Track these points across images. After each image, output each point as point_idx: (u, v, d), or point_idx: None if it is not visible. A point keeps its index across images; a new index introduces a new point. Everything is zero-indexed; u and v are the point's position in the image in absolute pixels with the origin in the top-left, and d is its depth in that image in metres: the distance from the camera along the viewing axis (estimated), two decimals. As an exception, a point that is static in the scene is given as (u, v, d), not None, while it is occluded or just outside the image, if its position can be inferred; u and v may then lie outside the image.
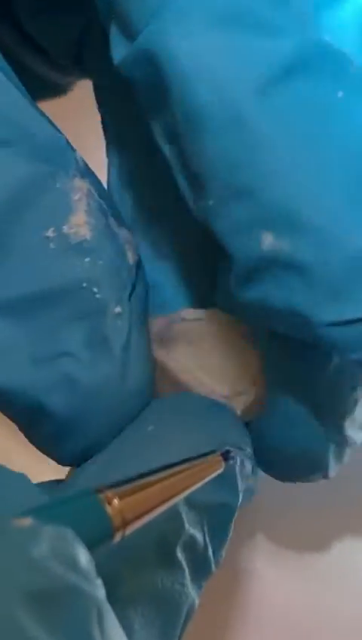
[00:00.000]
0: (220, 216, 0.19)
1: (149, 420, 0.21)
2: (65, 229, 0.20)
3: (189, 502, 0.20)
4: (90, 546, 0.15)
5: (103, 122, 0.26)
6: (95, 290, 0.20)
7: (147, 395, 0.22)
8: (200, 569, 0.20)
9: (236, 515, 0.21)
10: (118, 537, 0.16)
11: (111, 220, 0.22)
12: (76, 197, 0.21)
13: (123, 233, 0.22)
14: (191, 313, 0.23)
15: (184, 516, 0.20)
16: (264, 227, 0.19)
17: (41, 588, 0.12)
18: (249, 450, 0.22)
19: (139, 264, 0.22)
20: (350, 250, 0.18)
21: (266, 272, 0.19)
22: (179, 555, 0.19)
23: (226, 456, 0.19)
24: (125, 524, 0.16)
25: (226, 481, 0.21)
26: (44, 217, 0.20)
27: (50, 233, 0.20)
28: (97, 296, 0.20)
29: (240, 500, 0.21)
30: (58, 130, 0.21)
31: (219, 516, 0.21)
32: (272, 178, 0.18)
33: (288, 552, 0.29)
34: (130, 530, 0.16)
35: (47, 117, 0.22)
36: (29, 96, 0.21)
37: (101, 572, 0.14)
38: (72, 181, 0.21)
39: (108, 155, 0.26)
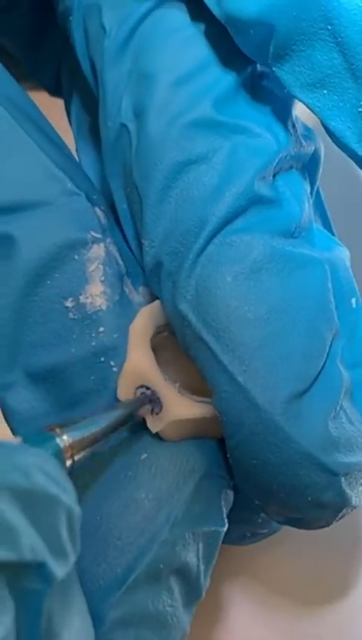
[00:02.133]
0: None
1: (142, 449, 0.22)
2: (81, 298, 0.22)
3: (184, 530, 0.21)
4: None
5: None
6: (112, 363, 0.22)
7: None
8: (192, 594, 0.21)
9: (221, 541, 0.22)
10: (67, 465, 0.18)
11: (127, 283, 0.23)
12: (92, 267, 0.22)
13: (138, 297, 0.23)
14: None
15: (178, 544, 0.20)
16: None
17: (25, 489, 0.14)
18: (229, 478, 0.22)
19: None
20: None
21: None
22: (172, 579, 0.20)
23: (144, 399, 0.21)
24: (73, 454, 0.18)
25: (213, 509, 0.22)
26: (64, 287, 0.22)
27: (69, 303, 0.22)
28: (114, 369, 0.22)
29: (225, 527, 0.22)
30: (78, 185, 0.23)
31: (209, 543, 0.21)
32: None
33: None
34: (77, 458, 0.18)
35: (69, 166, 0.23)
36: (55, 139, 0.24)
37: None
38: (88, 251, 0.22)
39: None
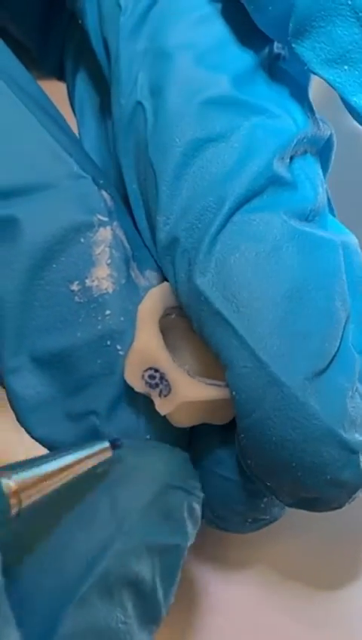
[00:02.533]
0: None
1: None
2: (87, 282, 0.22)
3: (139, 542, 0.20)
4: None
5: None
6: (118, 347, 0.22)
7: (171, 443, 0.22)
8: (149, 611, 0.20)
9: (184, 558, 0.21)
10: (14, 511, 0.18)
11: (133, 267, 0.23)
12: (98, 250, 0.22)
13: (143, 281, 0.23)
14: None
15: (132, 556, 0.20)
16: None
17: None
18: (198, 493, 0.22)
19: None
20: None
21: None
22: (125, 594, 0.20)
23: (114, 444, 0.20)
24: (20, 501, 0.18)
25: (175, 523, 0.21)
26: (70, 270, 0.21)
27: (74, 287, 0.22)
28: (120, 352, 0.22)
29: (189, 542, 0.21)
30: (84, 168, 0.22)
31: (168, 558, 0.21)
32: None
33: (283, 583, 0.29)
34: (25, 504, 0.18)
35: (75, 150, 0.23)
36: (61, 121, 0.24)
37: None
38: (95, 234, 0.22)
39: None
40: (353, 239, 0.24)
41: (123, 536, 0.20)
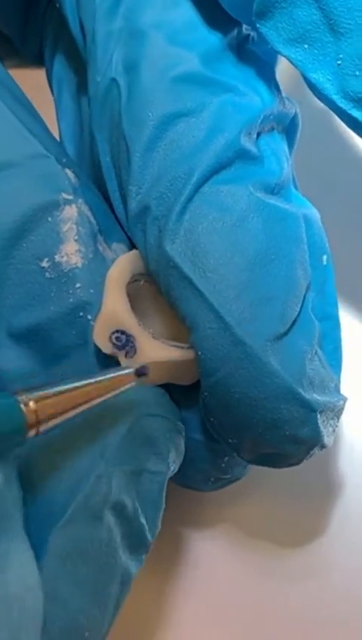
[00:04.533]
0: None
1: None
2: (57, 258, 0.22)
3: (121, 468, 0.21)
4: (5, 440, 0.17)
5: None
6: (89, 317, 0.22)
7: None
8: (134, 536, 0.21)
9: (166, 484, 0.22)
10: (31, 434, 0.18)
11: (101, 241, 0.23)
12: (66, 228, 0.22)
13: (110, 253, 0.23)
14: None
15: (113, 481, 0.20)
16: None
17: None
18: (179, 423, 0.23)
19: None
20: None
21: None
22: (109, 517, 0.20)
23: (140, 372, 0.20)
24: (39, 423, 0.18)
25: (156, 449, 0.22)
26: (40, 248, 0.22)
27: (45, 264, 0.22)
28: (92, 323, 0.22)
29: (170, 469, 0.22)
30: (47, 148, 0.23)
31: (150, 484, 0.21)
32: None
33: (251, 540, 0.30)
34: (43, 429, 0.18)
35: (39, 131, 0.24)
36: (25, 104, 0.24)
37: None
38: (61, 213, 0.22)
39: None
40: (315, 213, 0.25)
41: (104, 462, 0.20)
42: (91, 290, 0.22)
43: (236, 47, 0.24)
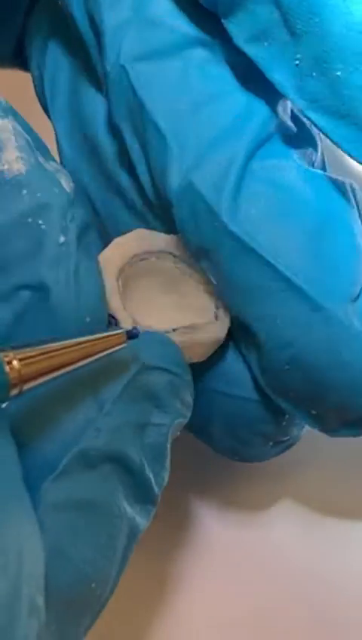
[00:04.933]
0: (352, 84, 0.20)
1: None
2: None
3: (123, 420, 0.21)
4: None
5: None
6: (40, 222, 0.21)
7: (101, 307, 0.22)
8: (139, 488, 0.21)
9: (170, 436, 0.22)
10: (14, 392, 0.17)
11: (38, 154, 0.23)
12: (4, 135, 0.22)
13: (51, 165, 0.23)
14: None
15: (114, 433, 0.20)
16: None
17: None
18: (183, 374, 0.22)
19: (76, 192, 0.23)
20: None
21: None
22: (108, 468, 0.20)
23: (131, 334, 0.20)
24: (23, 381, 0.17)
25: (158, 402, 0.21)
26: None
27: None
28: (42, 227, 0.21)
29: (174, 421, 0.22)
30: None
31: (154, 437, 0.21)
32: None
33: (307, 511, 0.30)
34: (27, 387, 0.17)
35: None
36: None
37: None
38: None
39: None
40: (353, 182, 0.25)
41: (103, 416, 0.20)
42: (38, 194, 0.21)
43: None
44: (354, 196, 0.24)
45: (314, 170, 0.23)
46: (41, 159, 0.22)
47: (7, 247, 0.21)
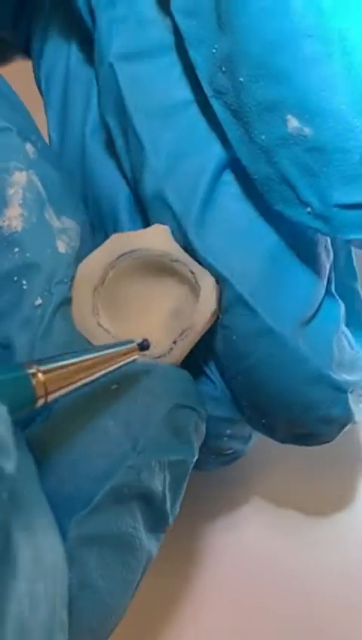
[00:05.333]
0: (250, 94, 0.20)
1: (113, 380, 0.22)
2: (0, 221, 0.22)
3: (151, 458, 0.21)
4: (15, 411, 0.17)
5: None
6: (24, 282, 0.22)
7: None
8: (157, 520, 0.21)
9: (190, 471, 0.22)
10: (40, 403, 0.18)
11: (49, 211, 0.23)
12: (12, 191, 0.22)
13: (58, 223, 0.23)
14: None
15: (144, 472, 0.21)
16: (290, 110, 0.20)
17: None
18: (202, 412, 0.23)
19: (76, 250, 0.24)
20: None
21: (287, 151, 0.20)
22: (135, 504, 0.21)
23: (143, 345, 0.21)
24: (47, 393, 0.18)
25: (183, 439, 0.22)
26: None
27: None
28: (24, 287, 0.22)
29: (194, 457, 0.23)
30: (10, 122, 0.23)
31: (176, 472, 0.22)
32: (306, 65, 0.19)
33: (279, 510, 0.31)
34: (51, 398, 0.18)
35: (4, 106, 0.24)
36: None
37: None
38: (11, 177, 0.22)
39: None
40: None
41: (136, 454, 0.21)
42: (27, 254, 0.22)
43: None
44: None
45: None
46: (47, 215, 0.23)
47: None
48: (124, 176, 0.25)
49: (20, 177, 0.23)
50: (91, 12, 0.25)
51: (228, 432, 0.25)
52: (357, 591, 0.29)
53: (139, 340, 0.21)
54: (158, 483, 0.21)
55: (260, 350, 0.22)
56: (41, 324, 0.22)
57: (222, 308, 0.22)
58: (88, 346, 0.20)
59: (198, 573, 0.29)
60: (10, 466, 0.15)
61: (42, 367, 0.18)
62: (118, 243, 0.23)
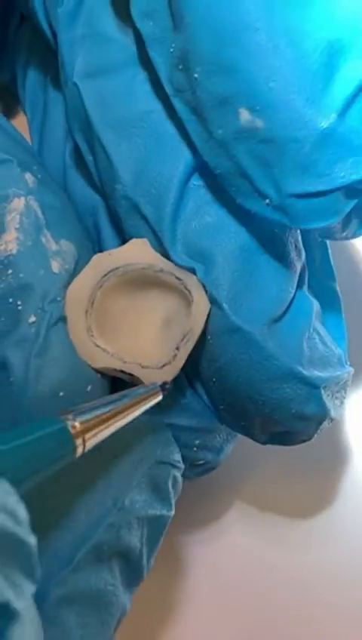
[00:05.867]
0: (204, 89, 0.21)
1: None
2: None
3: (131, 515, 0.21)
4: (55, 461, 0.18)
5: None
6: (19, 302, 0.22)
7: (74, 381, 0.23)
8: (133, 575, 0.22)
9: (167, 526, 0.23)
10: (79, 453, 0.19)
11: (47, 235, 0.24)
12: (9, 217, 0.23)
13: (55, 246, 0.24)
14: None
15: (123, 529, 0.21)
16: (242, 103, 0.20)
17: None
18: (181, 465, 0.24)
19: (70, 272, 0.24)
20: (318, 131, 0.20)
21: (242, 144, 0.21)
22: (114, 561, 0.21)
23: (163, 387, 0.22)
24: (84, 442, 0.19)
25: (162, 495, 0.23)
26: None
27: None
28: (19, 308, 0.22)
29: (172, 512, 0.23)
30: (10, 153, 0.24)
31: (154, 527, 0.22)
32: (255, 58, 0.20)
33: (263, 515, 0.31)
34: (88, 447, 0.19)
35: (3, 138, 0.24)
36: None
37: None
38: (9, 204, 0.23)
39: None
40: None
41: (117, 511, 0.21)
42: (21, 275, 0.23)
43: None
44: None
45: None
46: (44, 239, 0.23)
47: None
48: (100, 195, 0.26)
49: (18, 203, 0.23)
50: (54, 35, 0.26)
51: (197, 442, 0.25)
52: (345, 590, 0.30)
53: (160, 382, 0.22)
54: (137, 540, 0.22)
55: (230, 349, 0.22)
56: (36, 341, 0.22)
57: None
58: (114, 394, 0.21)
59: (187, 583, 0.30)
60: (22, 607, 0.15)
61: (79, 418, 0.19)
62: (100, 263, 0.24)
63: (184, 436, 0.25)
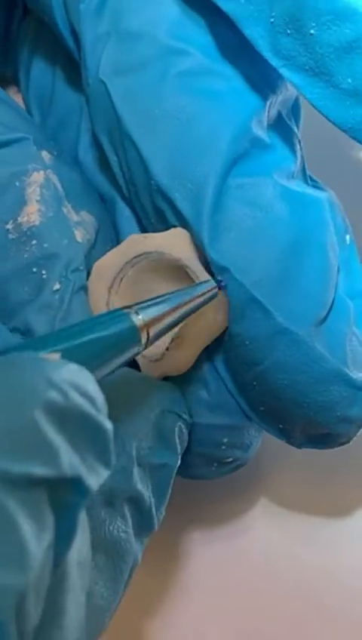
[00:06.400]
0: (324, 42, 0.21)
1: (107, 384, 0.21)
2: (19, 219, 0.23)
3: (139, 461, 0.21)
4: (122, 352, 0.18)
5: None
6: (43, 272, 0.23)
7: None
8: (144, 524, 0.22)
9: (174, 475, 0.23)
10: (143, 345, 0.19)
11: (67, 206, 0.24)
12: (30, 190, 0.23)
13: (76, 217, 0.24)
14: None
15: (135, 474, 0.21)
16: None
17: (60, 406, 0.14)
18: (187, 417, 0.24)
19: (92, 242, 0.24)
20: None
21: None
22: (126, 507, 0.21)
23: (219, 285, 0.22)
24: (148, 334, 0.19)
25: (167, 443, 0.23)
26: (6, 212, 0.23)
27: (9, 225, 0.23)
28: (44, 277, 0.23)
29: (178, 462, 0.23)
30: (28, 131, 0.25)
31: (160, 476, 0.22)
32: None
33: (289, 512, 0.31)
34: (151, 340, 0.19)
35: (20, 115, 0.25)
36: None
37: None
38: (29, 178, 0.24)
39: None
40: (331, 193, 0.25)
41: (126, 456, 0.21)
42: (45, 245, 0.23)
43: (228, 39, 0.24)
44: (332, 210, 0.25)
45: (291, 186, 0.23)
46: (65, 209, 0.24)
47: (12, 294, 0.23)
48: (118, 192, 0.26)
49: (38, 177, 0.24)
50: (73, 34, 0.26)
51: (226, 440, 0.25)
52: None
53: (216, 281, 0.22)
54: (145, 487, 0.22)
55: (276, 352, 0.22)
56: (61, 307, 0.23)
57: (230, 318, 0.23)
58: (171, 292, 0.21)
59: (206, 580, 0.29)
60: (96, 485, 0.15)
61: (141, 312, 0.19)
62: (133, 244, 0.24)
63: (212, 434, 0.25)
